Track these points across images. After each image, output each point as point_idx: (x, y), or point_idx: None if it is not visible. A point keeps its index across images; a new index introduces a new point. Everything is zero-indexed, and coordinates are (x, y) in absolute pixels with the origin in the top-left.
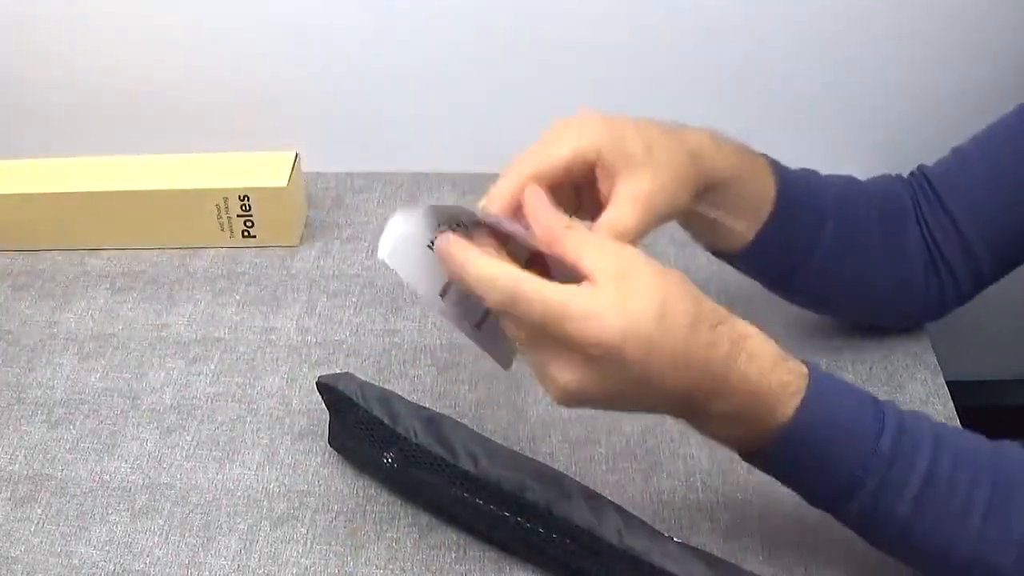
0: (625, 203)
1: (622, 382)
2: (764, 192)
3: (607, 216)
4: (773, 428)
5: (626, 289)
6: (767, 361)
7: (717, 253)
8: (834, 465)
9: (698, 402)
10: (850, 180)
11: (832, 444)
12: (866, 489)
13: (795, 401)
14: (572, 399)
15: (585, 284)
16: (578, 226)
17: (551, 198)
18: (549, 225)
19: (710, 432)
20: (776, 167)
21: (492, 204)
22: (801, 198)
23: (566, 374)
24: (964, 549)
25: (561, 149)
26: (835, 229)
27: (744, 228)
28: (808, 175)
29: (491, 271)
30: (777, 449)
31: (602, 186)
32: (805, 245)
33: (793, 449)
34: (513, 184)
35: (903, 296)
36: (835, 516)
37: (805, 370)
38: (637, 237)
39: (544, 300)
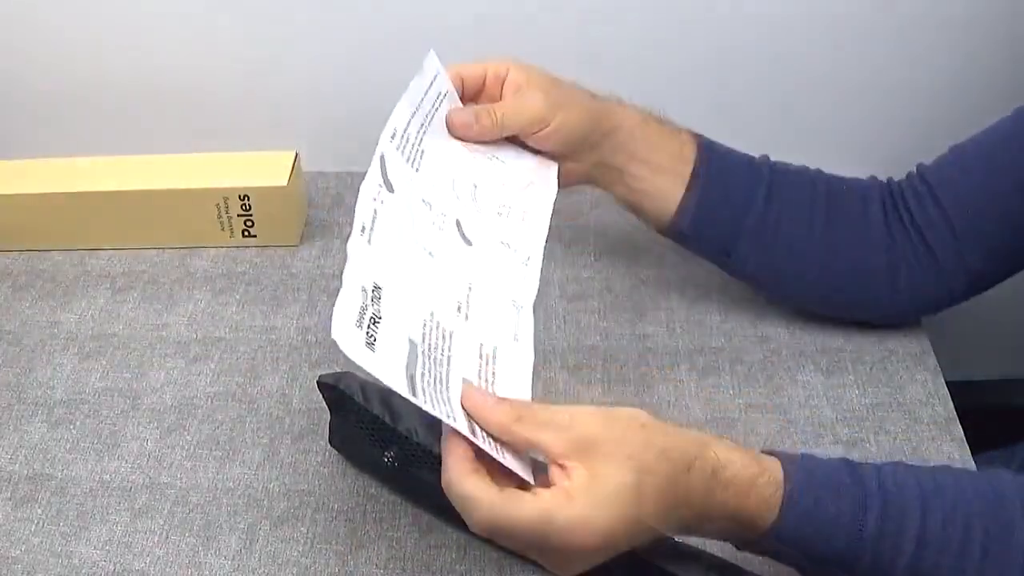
0: (527, 92)
1: (615, 551)
2: (679, 145)
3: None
4: (758, 535)
5: (596, 469)
6: (743, 484)
7: (659, 227)
8: (821, 556)
9: (687, 530)
10: (801, 166)
11: (816, 539)
12: (859, 568)
13: (775, 513)
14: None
15: (556, 481)
16: (525, 412)
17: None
18: (499, 421)
19: (700, 537)
20: (700, 137)
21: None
22: (730, 165)
23: (567, 568)
24: None
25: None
26: (769, 196)
27: (671, 183)
28: (754, 157)
29: (468, 495)
30: (764, 549)
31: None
32: (738, 210)
33: (780, 549)
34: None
35: (863, 285)
36: None
37: (780, 476)
38: (540, 119)
39: (525, 523)
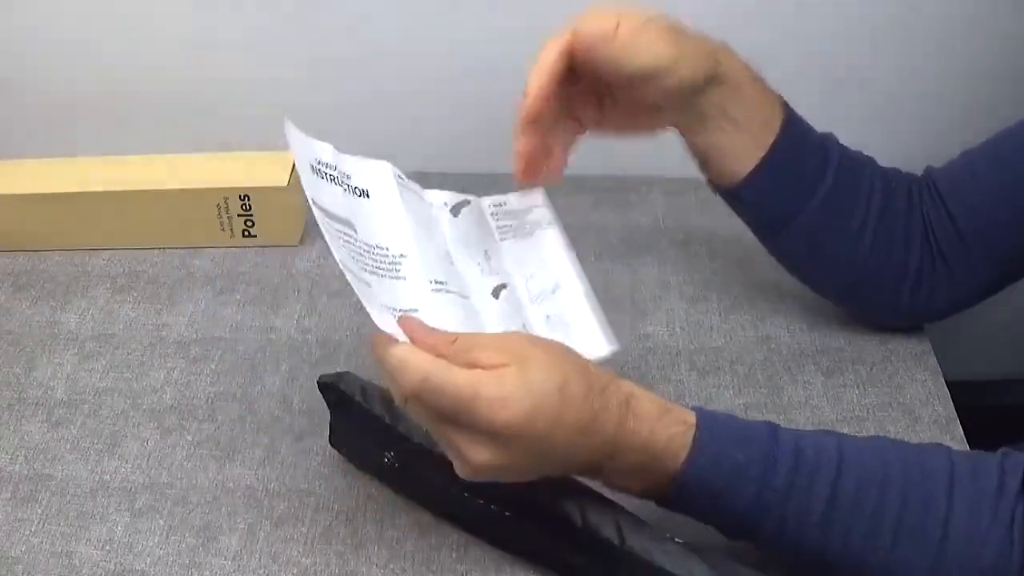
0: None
1: (530, 455)
2: (769, 110)
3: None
4: (667, 479)
5: (527, 369)
6: (652, 416)
7: (720, 186)
8: (730, 506)
9: (599, 463)
10: (859, 154)
11: (724, 487)
12: (768, 522)
13: (683, 453)
14: (483, 475)
15: (490, 370)
16: (462, 336)
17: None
18: (435, 343)
19: (616, 486)
20: (787, 105)
21: (534, 102)
22: (809, 142)
23: (480, 455)
24: (876, 567)
25: (564, 35)
26: (835, 182)
27: (750, 146)
28: (824, 137)
29: (403, 357)
30: (675, 496)
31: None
32: (805, 188)
33: (689, 495)
34: (543, 77)
35: (893, 285)
36: (754, 545)
37: (692, 419)
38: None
39: (455, 386)
